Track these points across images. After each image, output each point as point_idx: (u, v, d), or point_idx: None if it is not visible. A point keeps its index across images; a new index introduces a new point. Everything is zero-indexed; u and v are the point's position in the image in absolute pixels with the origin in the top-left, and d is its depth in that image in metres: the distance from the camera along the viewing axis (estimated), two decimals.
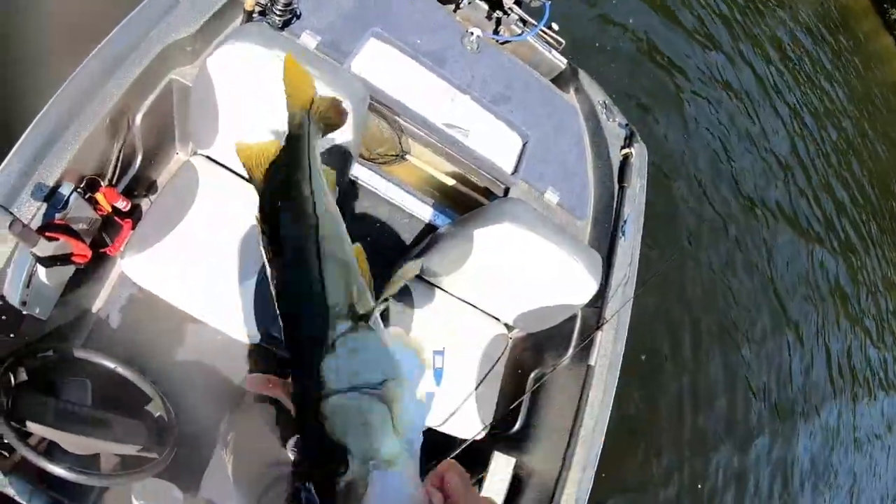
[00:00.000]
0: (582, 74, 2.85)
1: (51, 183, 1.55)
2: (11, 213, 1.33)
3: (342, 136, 1.80)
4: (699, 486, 4.37)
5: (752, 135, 6.45)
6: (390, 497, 0.55)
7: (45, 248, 1.49)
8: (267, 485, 1.55)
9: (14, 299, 1.54)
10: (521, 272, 2.03)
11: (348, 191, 2.27)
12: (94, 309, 2.19)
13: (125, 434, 1.57)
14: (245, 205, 2.10)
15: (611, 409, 2.21)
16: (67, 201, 1.57)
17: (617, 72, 5.38)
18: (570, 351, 2.31)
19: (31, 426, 1.41)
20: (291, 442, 0.70)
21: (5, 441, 1.39)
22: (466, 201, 2.48)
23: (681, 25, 6.47)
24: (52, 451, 1.49)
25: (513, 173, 2.43)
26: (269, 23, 2.02)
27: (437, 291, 2.36)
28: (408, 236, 2.46)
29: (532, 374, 2.44)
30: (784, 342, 5.53)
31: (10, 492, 1.45)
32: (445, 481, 0.63)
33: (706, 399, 4.66)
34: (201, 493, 2.08)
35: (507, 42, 2.73)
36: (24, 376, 1.51)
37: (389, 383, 0.62)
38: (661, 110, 5.59)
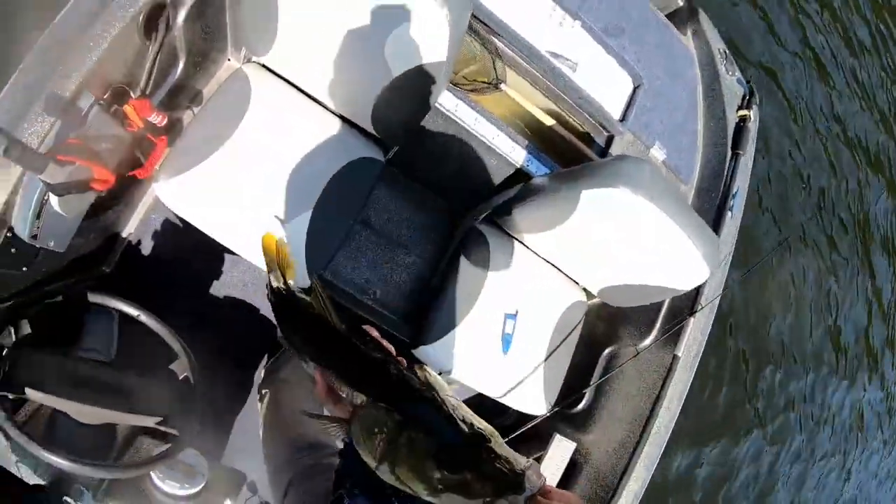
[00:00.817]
0: (702, 16, 2.26)
1: (67, 94, 1.14)
2: (8, 136, 0.95)
3: (433, 55, 1.38)
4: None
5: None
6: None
7: (56, 173, 1.11)
8: (293, 476, 1.32)
9: (23, 232, 1.18)
10: (624, 244, 1.65)
11: (431, 120, 1.85)
12: (125, 234, 1.83)
13: (146, 403, 1.25)
14: (303, 125, 1.70)
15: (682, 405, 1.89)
16: (87, 116, 1.16)
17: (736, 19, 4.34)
18: (653, 335, 1.95)
19: (31, 394, 1.10)
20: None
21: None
22: (563, 147, 2.02)
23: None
24: (57, 419, 1.19)
25: (621, 120, 1.96)
26: None
27: (518, 246, 1.98)
28: (494, 179, 2.05)
29: (606, 351, 2.08)
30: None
31: (12, 459, 1.17)
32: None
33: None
34: (225, 459, 1.81)
35: None
36: (26, 329, 1.17)
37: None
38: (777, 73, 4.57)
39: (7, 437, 1.13)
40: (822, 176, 4.66)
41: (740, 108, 2.14)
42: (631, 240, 1.61)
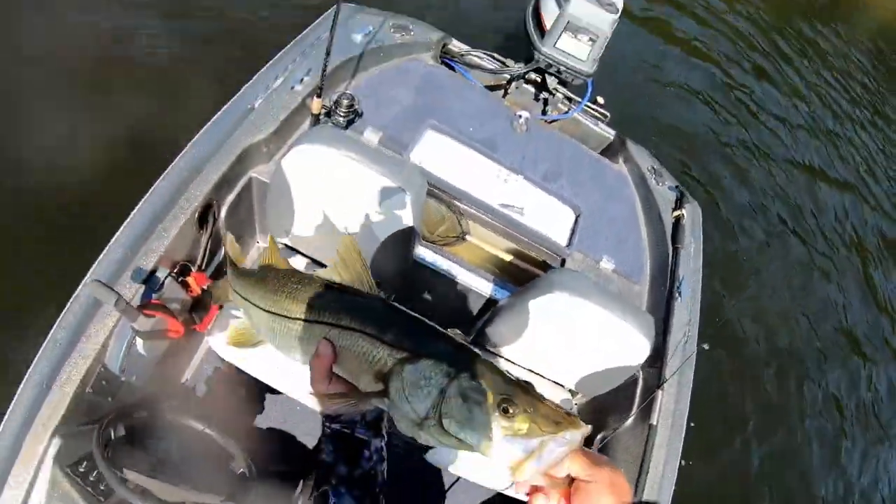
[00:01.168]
0: (629, 143, 2.91)
1: (148, 268, 1.75)
2: (117, 293, 1.51)
3: (405, 221, 1.88)
4: None
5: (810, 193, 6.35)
6: None
7: (143, 323, 1.66)
8: None
9: (114, 367, 1.70)
10: (575, 338, 2.02)
11: (413, 271, 2.35)
12: (183, 379, 2.36)
13: (210, 485, 1.67)
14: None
15: (677, 471, 2.12)
16: (163, 284, 1.76)
17: (669, 133, 5.59)
18: (633, 411, 2.24)
19: (128, 473, 1.55)
20: None
21: (102, 486, 1.54)
22: (525, 275, 2.53)
23: (722, 72, 6.89)
24: (144, 497, 1.62)
25: (567, 245, 2.46)
26: (334, 123, 2.22)
27: (500, 361, 2.35)
28: (471, 311, 2.51)
29: (597, 438, 2.36)
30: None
31: None
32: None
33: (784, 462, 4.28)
34: None
35: (555, 121, 2.85)
36: (122, 431, 1.66)
37: None
38: (714, 165, 5.77)
39: None
40: (805, 209, 5.89)
41: (674, 209, 2.66)
42: (578, 332, 1.98)
